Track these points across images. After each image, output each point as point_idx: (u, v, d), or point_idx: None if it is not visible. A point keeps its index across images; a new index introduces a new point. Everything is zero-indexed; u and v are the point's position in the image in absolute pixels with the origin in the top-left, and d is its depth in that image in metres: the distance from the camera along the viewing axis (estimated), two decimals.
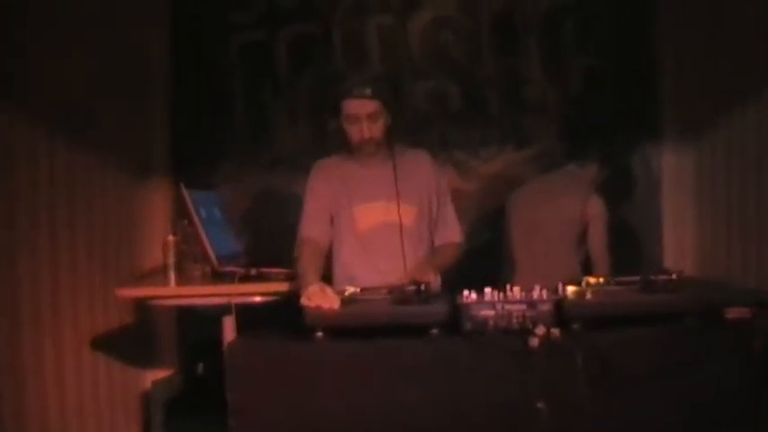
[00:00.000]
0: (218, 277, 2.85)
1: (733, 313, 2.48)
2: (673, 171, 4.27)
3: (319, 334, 2.43)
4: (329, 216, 3.08)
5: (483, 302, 2.46)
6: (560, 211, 3.72)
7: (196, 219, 2.84)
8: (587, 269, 3.75)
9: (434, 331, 2.41)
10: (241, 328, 2.96)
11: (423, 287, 2.51)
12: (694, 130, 4.13)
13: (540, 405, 2.33)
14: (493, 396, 2.37)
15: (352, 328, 2.44)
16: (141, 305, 3.35)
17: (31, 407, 3.34)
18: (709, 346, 2.41)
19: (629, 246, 4.25)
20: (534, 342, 2.35)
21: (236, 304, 2.82)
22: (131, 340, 4.17)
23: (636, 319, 2.43)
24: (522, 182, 4.07)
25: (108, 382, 3.93)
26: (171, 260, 3.04)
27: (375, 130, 3.00)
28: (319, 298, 2.54)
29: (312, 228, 3.04)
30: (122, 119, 4.14)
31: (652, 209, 4.30)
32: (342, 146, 3.13)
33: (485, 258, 4.05)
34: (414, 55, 4.41)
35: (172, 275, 2.98)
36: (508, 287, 2.52)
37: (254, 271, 2.83)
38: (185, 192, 2.86)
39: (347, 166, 3.12)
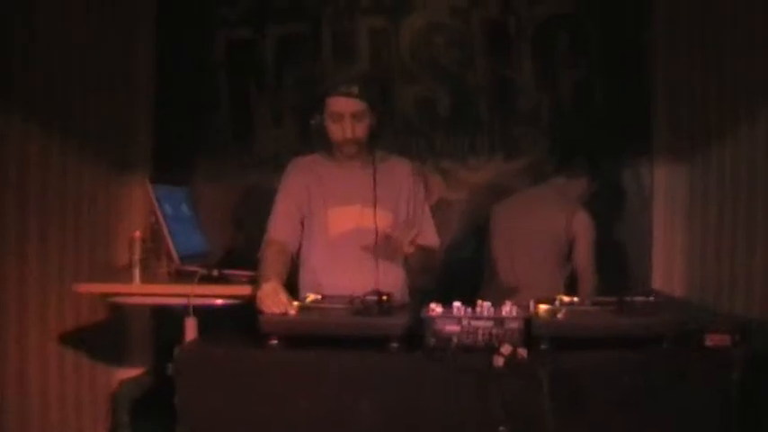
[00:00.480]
0: (181, 276, 2.73)
1: (713, 340, 2.36)
2: (664, 188, 4.15)
3: (274, 341, 2.32)
4: (299, 218, 2.97)
5: (448, 317, 2.34)
6: (544, 224, 3.61)
7: (160, 215, 2.73)
8: (573, 286, 3.64)
9: (394, 345, 2.29)
10: (203, 330, 2.84)
11: (385, 297, 2.39)
12: (687, 148, 4.01)
13: (501, 429, 2.22)
14: (452, 417, 2.25)
15: (308, 337, 2.33)
16: (114, 303, 3.23)
17: None
18: (685, 374, 2.29)
19: (618, 264, 4.14)
20: (499, 361, 2.24)
21: (197, 306, 2.69)
22: (104, 338, 4.08)
23: (608, 341, 2.31)
24: (511, 193, 3.95)
25: (75, 380, 3.84)
26: (136, 257, 2.93)
27: (358, 130, 2.89)
28: (271, 301, 2.43)
29: (280, 229, 2.93)
30: (103, 112, 4.06)
31: (642, 226, 4.18)
32: (322, 144, 3.02)
33: (470, 270, 3.95)
34: (404, 59, 4.30)
35: (136, 273, 2.87)
36: (479, 302, 2.42)
37: (215, 272, 2.72)
38: (150, 186, 2.75)
39: (325, 166, 3.02)
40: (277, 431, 2.29)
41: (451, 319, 2.34)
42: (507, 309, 2.37)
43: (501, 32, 4.25)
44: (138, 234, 2.87)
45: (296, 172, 3.04)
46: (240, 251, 4.13)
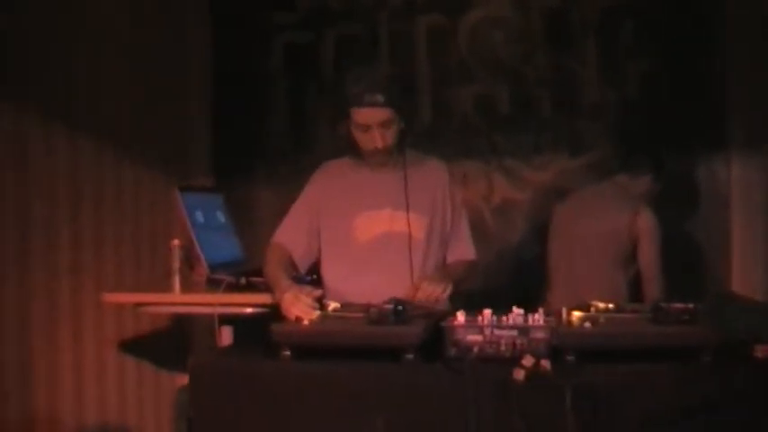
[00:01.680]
0: (210, 285, 2.70)
1: (763, 351, 2.15)
2: (741, 185, 3.89)
3: (286, 353, 2.24)
4: (310, 229, 2.86)
5: (470, 326, 2.21)
6: (605, 224, 3.43)
7: (188, 223, 2.70)
8: (639, 289, 3.45)
9: (409, 356, 2.17)
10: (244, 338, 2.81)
11: (401, 306, 2.27)
12: (763, 141, 3.72)
13: None
14: None
15: (321, 349, 2.24)
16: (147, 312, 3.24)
17: (41, 409, 3.30)
18: (728, 390, 2.08)
19: (694, 265, 3.90)
20: (519, 374, 2.08)
21: (227, 315, 2.65)
22: (167, 345, 4.11)
23: (641, 353, 2.12)
24: (573, 192, 3.77)
25: (137, 388, 3.87)
26: (175, 265, 2.91)
27: (388, 138, 2.73)
28: (296, 308, 2.36)
29: (284, 234, 2.84)
30: (162, 120, 4.11)
31: (719, 226, 3.92)
32: (351, 150, 2.89)
33: (535, 272, 3.80)
34: (462, 56, 4.19)
35: (176, 281, 2.85)
36: (515, 309, 2.29)
37: (242, 280, 2.67)
38: (178, 195, 2.73)
39: (355, 171, 2.89)
40: None
41: (473, 328, 2.20)
42: (535, 317, 2.23)
43: (563, 23, 4.10)
44: (176, 242, 2.85)
45: (320, 179, 2.94)
46: None
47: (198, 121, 4.37)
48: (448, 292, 2.62)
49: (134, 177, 3.83)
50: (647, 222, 3.42)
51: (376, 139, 2.72)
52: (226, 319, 2.81)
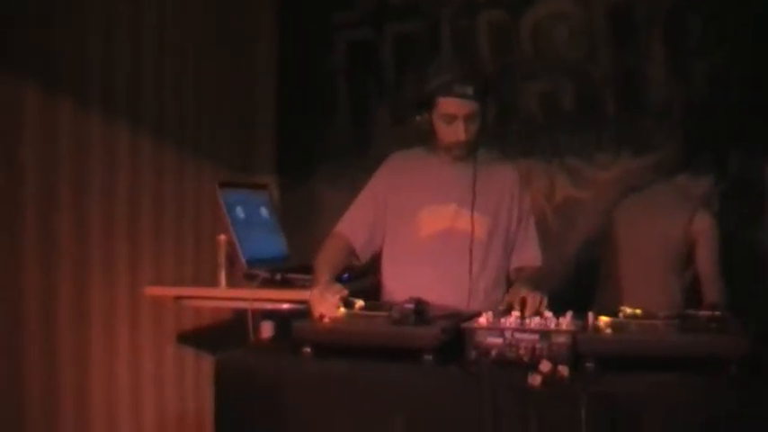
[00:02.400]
0: (247, 280, 2.74)
1: None
2: None
3: (307, 350, 2.25)
4: (374, 220, 2.85)
5: (491, 329, 2.18)
6: (660, 226, 3.33)
7: (227, 219, 2.75)
8: (696, 294, 3.32)
9: (428, 357, 2.15)
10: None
11: (422, 306, 2.25)
12: None
13: None
14: None
15: (341, 347, 2.24)
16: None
17: (97, 401, 3.42)
18: (757, 404, 1.99)
19: (761, 271, 3.72)
20: (535, 380, 2.04)
21: (266, 310, 2.69)
22: (229, 337, 4.18)
23: (664, 362, 2.04)
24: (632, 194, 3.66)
25: (195, 381, 3.96)
26: (222, 260, 2.97)
27: (470, 132, 2.70)
28: (321, 306, 2.37)
29: (348, 224, 2.85)
30: (227, 118, 4.19)
31: None
32: (425, 140, 2.85)
33: (594, 274, 3.70)
34: (525, 53, 4.12)
35: (222, 276, 2.91)
36: (545, 313, 2.27)
37: (278, 276, 2.70)
38: (218, 191, 2.78)
39: (425, 163, 2.86)
40: None
41: (494, 331, 2.17)
42: (557, 321, 2.18)
43: (627, 19, 3.97)
44: (223, 237, 2.90)
45: (388, 171, 2.92)
46: None
47: (262, 118, 4.43)
48: (545, 303, 2.48)
49: (196, 174, 3.90)
50: (703, 225, 3.30)
51: (459, 132, 2.70)
52: (267, 314, 2.84)
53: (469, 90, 2.66)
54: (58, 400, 3.25)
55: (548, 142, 4.07)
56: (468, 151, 2.77)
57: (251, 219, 2.87)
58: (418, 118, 2.75)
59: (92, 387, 3.40)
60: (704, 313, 2.11)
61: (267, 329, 2.75)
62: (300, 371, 2.25)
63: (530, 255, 2.89)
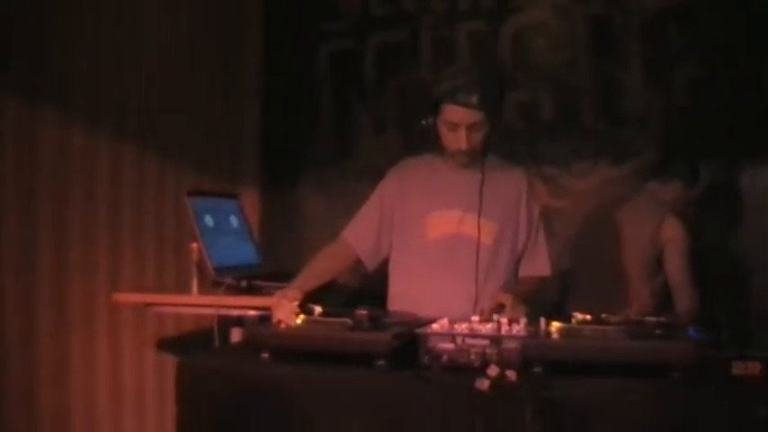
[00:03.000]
0: (214, 287, 2.78)
1: (740, 368, 2.06)
2: None
3: (264, 355, 2.29)
4: (380, 226, 2.87)
5: (442, 334, 2.21)
6: (630, 233, 3.34)
7: (195, 226, 2.79)
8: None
9: (380, 362, 2.18)
10: None
11: (379, 313, 2.29)
12: None
13: None
14: None
15: (297, 352, 2.28)
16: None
17: (77, 407, 3.46)
18: (700, 408, 2.01)
19: (737, 277, 3.74)
20: (483, 384, 2.06)
21: (238, 317, 2.73)
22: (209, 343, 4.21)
23: (610, 367, 2.07)
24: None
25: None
26: (194, 268, 3.00)
27: (474, 140, 2.67)
28: (278, 310, 2.40)
29: (354, 232, 2.87)
30: (211, 127, 4.23)
31: (764, 236, 3.74)
32: (432, 146, 2.83)
33: (574, 282, 3.73)
34: (504, 63, 4.15)
35: (194, 283, 2.94)
36: (496, 317, 2.29)
37: (244, 283, 2.73)
38: (187, 200, 2.82)
39: (434, 168, 2.86)
40: None
41: (446, 336, 2.20)
42: (508, 327, 2.21)
43: (606, 29, 4.00)
44: (195, 246, 2.94)
45: (395, 177, 2.93)
46: None
47: (247, 127, 4.48)
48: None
49: (178, 182, 3.95)
50: (672, 230, 3.32)
51: (461, 140, 2.66)
52: (238, 321, 2.87)
53: (473, 99, 2.60)
54: (38, 405, 3.28)
55: (526, 151, 4.09)
56: (472, 159, 2.75)
57: (220, 227, 2.91)
58: (424, 122, 2.73)
59: (71, 393, 3.45)
60: (651, 319, 2.13)
61: (237, 335, 2.78)
62: (258, 375, 2.29)
63: (539, 264, 2.88)
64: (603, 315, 2.27)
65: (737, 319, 3.56)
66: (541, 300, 3.78)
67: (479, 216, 2.73)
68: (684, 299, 3.27)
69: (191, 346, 3.64)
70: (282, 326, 2.34)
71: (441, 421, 2.11)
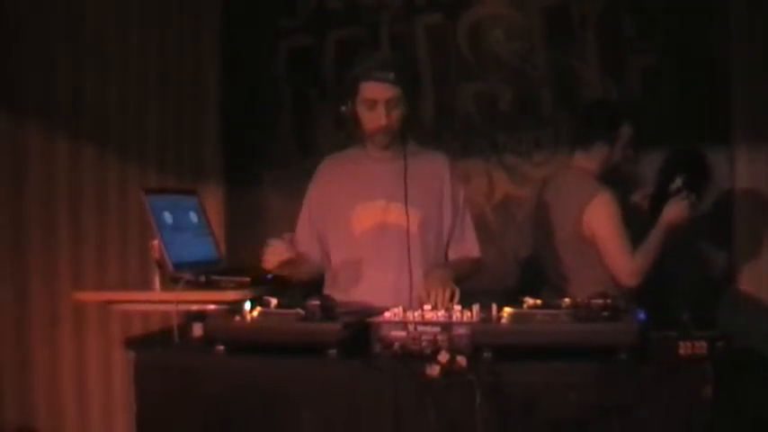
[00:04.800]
0: (173, 283, 2.78)
1: (686, 349, 2.10)
2: (746, 182, 3.74)
3: (219, 347, 2.30)
4: (319, 233, 2.93)
5: (394, 322, 2.23)
6: (562, 213, 3.28)
7: (153, 224, 2.79)
8: None
9: (332, 351, 2.20)
10: None
11: (332, 302, 2.31)
12: None
13: None
14: (385, 429, 2.14)
15: (251, 344, 2.29)
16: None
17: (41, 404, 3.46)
18: (646, 388, 2.04)
19: (696, 260, 3.79)
20: (434, 370, 2.09)
21: (199, 311, 2.73)
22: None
23: (558, 351, 2.10)
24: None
25: None
26: (155, 265, 3.00)
27: (392, 117, 2.71)
28: (268, 251, 2.63)
29: (301, 243, 2.89)
30: (174, 125, 4.23)
31: (723, 222, 3.78)
32: (354, 134, 2.88)
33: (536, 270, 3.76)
34: (463, 55, 4.17)
35: (156, 279, 2.94)
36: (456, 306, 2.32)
37: (202, 278, 2.73)
38: (144, 197, 2.82)
39: (355, 162, 2.90)
40: None
41: (398, 324, 2.23)
42: (459, 314, 2.24)
43: (562, 20, 4.03)
44: (155, 243, 2.93)
45: (318, 179, 2.98)
46: None
47: (208, 126, 4.47)
48: (456, 297, 2.56)
49: (140, 182, 3.94)
50: (596, 204, 3.18)
51: (381, 116, 2.70)
52: (199, 317, 2.87)
53: (390, 75, 2.68)
54: (2, 407, 3.31)
55: (486, 142, 4.12)
56: (392, 140, 2.79)
57: (179, 223, 2.89)
58: (343, 108, 2.78)
59: (35, 392, 3.45)
60: (598, 302, 2.16)
61: (198, 329, 2.78)
62: (213, 367, 2.31)
63: (468, 246, 2.91)
64: (554, 300, 2.30)
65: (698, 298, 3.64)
66: (503, 287, 3.86)
67: (405, 204, 2.76)
68: (624, 277, 3.13)
69: (156, 343, 3.68)
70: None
71: (392, 408, 2.14)
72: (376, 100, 2.70)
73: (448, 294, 2.51)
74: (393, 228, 2.80)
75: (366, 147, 2.87)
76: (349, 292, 2.80)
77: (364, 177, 2.87)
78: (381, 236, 2.81)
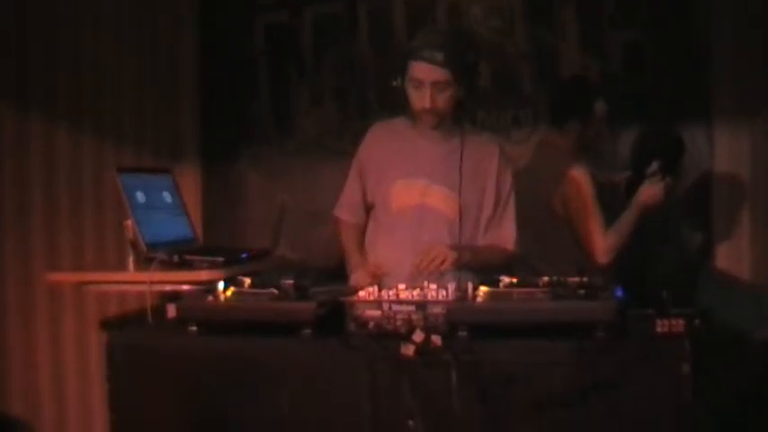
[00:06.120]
0: (147, 263, 2.74)
1: (664, 326, 2.08)
2: (726, 159, 3.73)
3: (193, 328, 2.28)
4: (364, 196, 2.90)
5: (369, 302, 2.21)
6: (537, 189, 3.24)
7: (126, 203, 2.75)
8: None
9: (306, 331, 2.17)
10: None
11: (306, 282, 2.29)
12: (751, 114, 3.60)
13: (411, 423, 2.06)
14: (363, 409, 2.12)
15: (224, 324, 2.26)
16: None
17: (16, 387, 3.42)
18: (623, 365, 2.03)
19: (677, 242, 3.78)
20: (409, 350, 2.07)
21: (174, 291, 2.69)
22: None
23: (534, 329, 2.08)
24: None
25: None
26: (129, 245, 2.95)
27: (440, 101, 2.63)
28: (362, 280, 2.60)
29: (347, 209, 2.92)
30: (150, 103, 4.17)
31: (701, 201, 3.77)
32: (403, 107, 2.75)
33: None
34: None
35: (130, 260, 2.89)
36: (426, 285, 2.28)
37: (176, 258, 2.69)
38: (116, 176, 2.77)
39: (404, 134, 2.81)
40: (192, 420, 2.24)
41: (372, 303, 2.20)
42: (434, 292, 2.21)
43: None
44: (129, 222, 2.89)
45: (367, 143, 2.90)
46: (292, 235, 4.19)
47: (186, 103, 4.42)
48: (449, 260, 2.54)
49: (117, 161, 3.88)
50: (570, 181, 3.18)
51: (426, 98, 2.63)
52: (173, 297, 2.83)
53: (439, 56, 2.57)
54: None
55: (465, 119, 4.06)
56: (440, 122, 2.72)
57: (152, 203, 2.85)
58: (394, 83, 2.69)
59: (11, 376, 3.41)
60: (574, 280, 2.14)
61: (172, 310, 2.74)
62: (186, 348, 2.28)
63: (504, 235, 2.82)
64: (531, 278, 2.28)
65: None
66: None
67: (459, 189, 2.70)
68: (599, 253, 3.13)
69: (130, 324, 3.64)
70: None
71: (368, 387, 2.13)
72: (422, 80, 2.62)
73: (438, 261, 2.46)
74: (430, 211, 2.76)
75: (416, 123, 2.78)
76: (386, 266, 2.75)
77: (408, 153, 2.80)
78: (417, 217, 2.77)
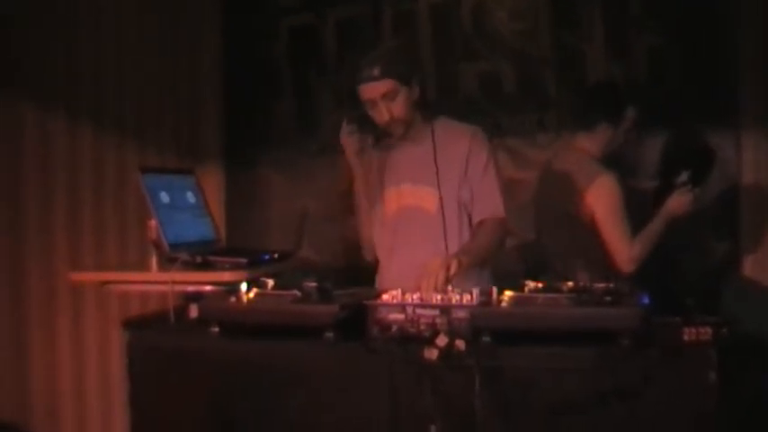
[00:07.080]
0: (169, 263, 2.74)
1: (691, 335, 2.05)
2: (752, 167, 3.68)
3: (214, 329, 2.27)
4: None
5: (392, 305, 2.19)
6: (563, 199, 3.23)
7: (149, 204, 2.75)
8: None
9: (328, 334, 2.16)
10: None
11: (329, 284, 2.27)
12: None
13: (432, 428, 2.04)
14: (381, 413, 2.10)
15: (246, 325, 2.26)
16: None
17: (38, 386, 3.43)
18: (648, 374, 2.00)
19: (701, 247, 3.74)
20: (432, 354, 2.05)
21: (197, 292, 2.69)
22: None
23: (558, 335, 2.05)
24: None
25: None
26: (152, 245, 2.95)
27: (395, 109, 2.72)
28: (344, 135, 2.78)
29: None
30: (173, 104, 4.19)
31: (728, 209, 3.72)
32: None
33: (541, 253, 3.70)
34: (466, 35, 4.11)
35: (153, 260, 2.90)
36: (450, 288, 2.27)
37: (198, 258, 2.69)
38: (139, 176, 2.78)
39: (387, 148, 2.91)
40: (212, 420, 2.24)
41: (396, 307, 2.18)
42: (459, 297, 2.19)
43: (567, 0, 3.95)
44: (152, 223, 2.89)
45: (372, 158, 2.96)
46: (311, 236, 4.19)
47: (209, 105, 4.43)
48: (452, 270, 2.46)
49: (140, 162, 3.90)
50: (598, 188, 3.16)
51: (383, 113, 2.73)
52: (195, 297, 2.83)
53: (375, 71, 2.68)
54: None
55: (489, 123, 4.04)
56: (406, 126, 2.78)
57: (175, 203, 2.85)
58: (361, 113, 2.80)
59: (33, 375, 3.43)
60: (600, 286, 2.12)
61: (194, 311, 2.74)
62: (207, 349, 2.28)
63: (489, 206, 2.83)
64: (557, 283, 2.25)
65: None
66: (505, 271, 3.81)
67: (438, 186, 2.77)
68: (623, 259, 3.10)
69: (152, 324, 3.64)
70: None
71: (389, 392, 2.11)
72: (371, 99, 2.73)
73: (441, 279, 2.45)
74: (415, 210, 2.84)
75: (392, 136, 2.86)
76: (383, 275, 2.93)
77: (393, 164, 2.91)
78: (408, 218, 2.86)
